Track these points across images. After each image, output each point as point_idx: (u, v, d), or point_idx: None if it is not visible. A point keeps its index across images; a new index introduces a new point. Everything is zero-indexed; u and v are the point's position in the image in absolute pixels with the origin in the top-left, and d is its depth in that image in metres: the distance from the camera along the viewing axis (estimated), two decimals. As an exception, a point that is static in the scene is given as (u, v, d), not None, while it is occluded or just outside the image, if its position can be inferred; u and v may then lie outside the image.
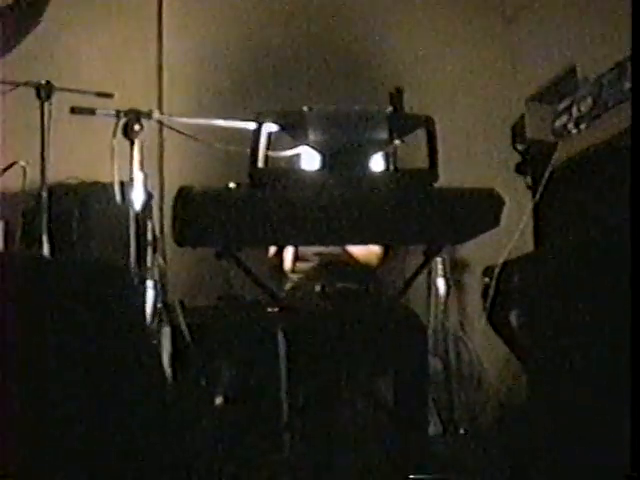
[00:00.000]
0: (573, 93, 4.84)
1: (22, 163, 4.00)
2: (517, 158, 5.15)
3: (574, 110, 4.65)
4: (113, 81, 4.70)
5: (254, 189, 2.93)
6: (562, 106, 4.77)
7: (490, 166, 5.58)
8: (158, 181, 5.17)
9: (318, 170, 3.01)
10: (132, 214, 3.79)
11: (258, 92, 5.49)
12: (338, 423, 3.75)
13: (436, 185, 3.07)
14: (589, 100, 4.53)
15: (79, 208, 4.63)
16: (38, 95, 3.96)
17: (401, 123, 3.01)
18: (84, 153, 4.90)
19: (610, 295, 3.56)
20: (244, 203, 2.92)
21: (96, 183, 4.64)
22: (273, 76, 5.61)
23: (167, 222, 4.48)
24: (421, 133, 3.03)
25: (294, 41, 5.75)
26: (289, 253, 4.33)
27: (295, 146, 3.37)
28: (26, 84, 3.99)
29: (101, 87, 4.15)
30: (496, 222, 3.17)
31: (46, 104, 3.95)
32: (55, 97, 3.99)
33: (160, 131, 5.03)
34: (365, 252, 4.30)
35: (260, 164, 2.92)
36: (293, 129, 2.96)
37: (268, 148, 2.97)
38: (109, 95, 4.04)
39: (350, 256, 4.28)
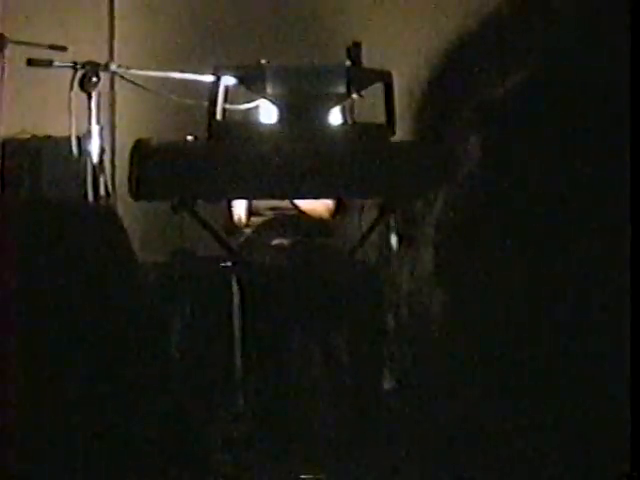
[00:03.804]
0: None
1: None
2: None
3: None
4: (64, 34, 4.65)
5: (212, 142, 2.93)
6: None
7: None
8: (110, 135, 5.12)
9: (276, 123, 3.02)
10: (90, 167, 3.77)
11: (213, 45, 5.45)
12: (292, 378, 3.78)
13: (392, 139, 3.09)
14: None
15: (30, 163, 4.60)
16: (-10, 48, 3.92)
17: (359, 77, 3.02)
18: (35, 107, 4.85)
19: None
20: (202, 156, 2.93)
21: (48, 137, 4.60)
22: (229, 29, 5.57)
23: (119, 177, 4.47)
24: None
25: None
26: (243, 207, 4.31)
27: (253, 99, 3.38)
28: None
29: (53, 40, 4.11)
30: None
31: (-1, 57, 3.92)
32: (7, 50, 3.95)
33: (112, 84, 4.99)
34: (316, 206, 4.29)
35: (218, 117, 2.92)
36: (251, 82, 2.96)
37: (226, 101, 2.97)
38: (62, 48, 4.00)
39: (302, 210, 4.27)
